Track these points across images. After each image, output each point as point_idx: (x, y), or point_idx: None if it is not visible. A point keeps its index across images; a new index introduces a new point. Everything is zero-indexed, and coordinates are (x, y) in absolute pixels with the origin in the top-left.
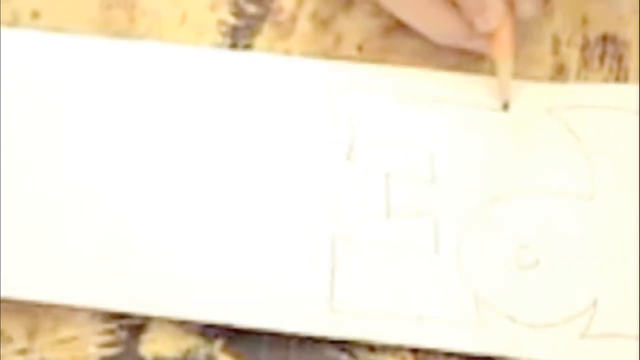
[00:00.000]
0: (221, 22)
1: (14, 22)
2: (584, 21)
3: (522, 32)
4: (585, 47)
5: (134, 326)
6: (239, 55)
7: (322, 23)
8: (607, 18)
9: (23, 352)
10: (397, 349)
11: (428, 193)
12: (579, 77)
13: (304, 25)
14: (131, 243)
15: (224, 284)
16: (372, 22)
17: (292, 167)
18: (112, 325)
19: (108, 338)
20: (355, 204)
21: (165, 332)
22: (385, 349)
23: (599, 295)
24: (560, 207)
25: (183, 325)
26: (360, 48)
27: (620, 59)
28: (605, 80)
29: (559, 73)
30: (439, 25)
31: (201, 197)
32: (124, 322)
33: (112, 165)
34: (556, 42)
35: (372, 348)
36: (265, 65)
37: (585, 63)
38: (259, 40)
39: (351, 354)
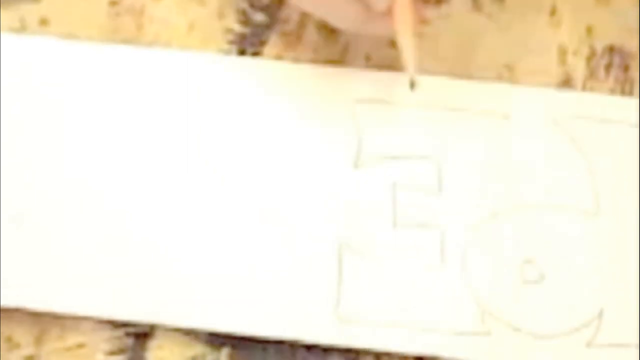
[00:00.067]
0: (228, 31)
1: (22, 29)
2: (590, 32)
3: (529, 42)
4: (591, 57)
5: (140, 333)
6: (247, 62)
7: (330, 32)
8: (613, 29)
9: (30, 358)
10: (402, 357)
11: (434, 204)
12: (585, 88)
13: (311, 34)
14: (138, 252)
15: (230, 292)
16: None
17: (299, 175)
18: (119, 332)
19: (115, 345)
20: (362, 213)
21: (172, 339)
22: (391, 357)
23: (605, 306)
24: (565, 222)
25: (190, 333)
26: (368, 57)
27: (626, 69)
28: (612, 90)
29: (565, 83)
30: (337, 11)
31: (208, 205)
32: (131, 329)
33: (119, 173)
34: (563, 53)
35: (378, 356)
36: (272, 72)
37: (591, 73)
38: (267, 49)
39: None
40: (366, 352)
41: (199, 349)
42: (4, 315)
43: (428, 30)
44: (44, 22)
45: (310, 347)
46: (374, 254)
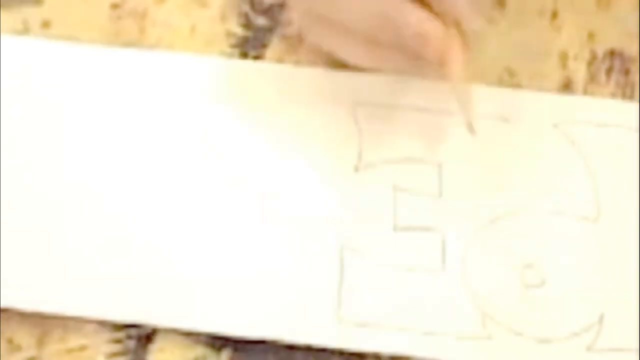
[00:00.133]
0: (230, 34)
1: (25, 32)
2: (591, 36)
3: (530, 46)
4: (592, 61)
5: (142, 336)
6: (249, 65)
7: None
8: (614, 33)
9: None
10: None
11: (435, 208)
12: (585, 92)
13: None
14: (139, 254)
15: (231, 294)
16: None
17: (300, 178)
18: (121, 334)
19: (116, 347)
20: (363, 216)
21: (173, 342)
22: None
23: (605, 311)
24: (565, 226)
25: (191, 335)
26: None
27: (627, 73)
28: (612, 94)
29: (566, 87)
30: (384, 62)
31: (210, 207)
32: (132, 331)
33: (121, 175)
34: (563, 57)
35: (378, 359)
36: (274, 75)
37: (592, 78)
38: (269, 52)
39: None
40: (367, 355)
41: (199, 350)
42: (5, 317)
43: None
44: (46, 24)
45: (311, 349)
46: (375, 257)
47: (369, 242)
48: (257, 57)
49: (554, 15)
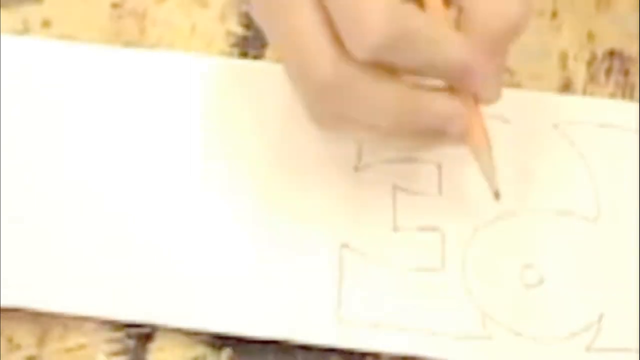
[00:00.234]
0: (230, 33)
1: (25, 31)
2: (591, 37)
3: (529, 46)
4: (591, 62)
5: (142, 335)
6: (249, 64)
7: None
8: (613, 34)
9: (31, 359)
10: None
11: (435, 207)
12: (585, 92)
13: None
14: (139, 253)
15: (231, 293)
16: None
17: (300, 177)
18: (121, 333)
19: (116, 346)
20: (362, 215)
21: (173, 341)
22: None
23: (604, 310)
24: (565, 226)
25: (191, 334)
26: None
27: (626, 74)
28: (612, 95)
29: (566, 88)
30: (411, 146)
31: (209, 206)
32: (132, 330)
33: (121, 175)
34: (563, 57)
35: (378, 358)
36: (274, 75)
37: (591, 78)
38: (269, 52)
39: None
40: (366, 354)
41: (200, 350)
42: (5, 316)
43: None
44: (46, 23)
45: (310, 349)
46: (374, 257)
47: (369, 242)
48: (257, 57)
49: (554, 15)
